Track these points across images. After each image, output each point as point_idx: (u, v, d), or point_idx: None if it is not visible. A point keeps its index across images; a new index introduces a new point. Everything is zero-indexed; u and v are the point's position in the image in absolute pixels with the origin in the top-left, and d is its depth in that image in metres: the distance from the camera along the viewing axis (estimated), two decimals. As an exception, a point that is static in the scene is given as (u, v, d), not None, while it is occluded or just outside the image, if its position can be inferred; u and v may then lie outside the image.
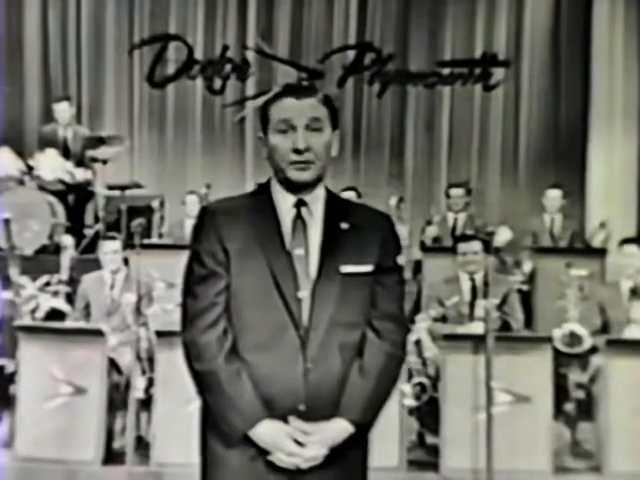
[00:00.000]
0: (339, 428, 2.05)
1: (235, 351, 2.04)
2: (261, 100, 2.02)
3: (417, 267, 7.16)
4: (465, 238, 5.76)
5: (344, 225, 2.10)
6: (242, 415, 2.02)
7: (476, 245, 5.47)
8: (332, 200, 2.16)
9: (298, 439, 2.01)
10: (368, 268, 2.09)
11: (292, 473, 2.03)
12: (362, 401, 2.07)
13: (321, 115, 2.09)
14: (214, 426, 2.08)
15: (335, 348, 2.05)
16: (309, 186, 2.09)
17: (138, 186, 8.11)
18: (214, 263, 2.06)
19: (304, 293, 2.05)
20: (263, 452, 2.03)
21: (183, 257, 2.15)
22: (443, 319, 5.38)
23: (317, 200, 2.12)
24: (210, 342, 2.04)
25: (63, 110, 7.90)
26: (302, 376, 2.02)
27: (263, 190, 2.15)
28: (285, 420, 2.02)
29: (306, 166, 2.06)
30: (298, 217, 2.10)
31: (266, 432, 2.02)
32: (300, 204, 2.11)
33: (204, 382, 2.05)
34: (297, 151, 2.04)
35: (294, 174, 2.06)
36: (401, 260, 2.19)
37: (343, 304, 2.06)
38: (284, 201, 2.11)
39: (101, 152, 7.59)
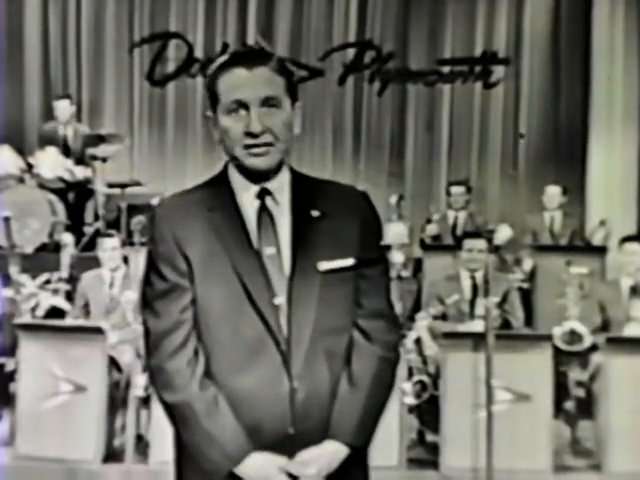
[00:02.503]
0: (333, 452, 1.80)
1: (209, 375, 1.79)
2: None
3: (417, 265, 7.16)
4: (472, 235, 5.78)
5: (315, 213, 1.82)
6: (225, 451, 1.75)
7: (482, 243, 5.49)
8: (299, 183, 1.87)
9: (292, 472, 1.77)
10: (349, 262, 1.82)
11: None
12: (355, 418, 1.81)
13: (278, 90, 1.78)
14: (192, 463, 1.82)
15: (322, 359, 1.80)
16: (270, 172, 1.81)
17: (138, 184, 8.11)
18: (175, 274, 1.78)
19: (280, 299, 1.78)
20: None
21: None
22: (443, 317, 5.38)
23: (283, 186, 1.85)
24: (180, 367, 1.77)
25: (63, 108, 7.92)
26: (288, 397, 1.76)
27: (220, 179, 1.87)
28: (273, 448, 1.77)
29: (265, 150, 1.76)
30: (263, 209, 1.82)
31: (255, 467, 1.76)
32: (264, 193, 1.82)
33: (178, 415, 1.79)
34: (252, 135, 1.75)
35: (251, 161, 1.78)
36: (382, 246, 1.97)
37: (326, 307, 1.79)
38: (246, 192, 1.83)
39: (101, 150, 7.60)
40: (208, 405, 1.76)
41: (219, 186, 1.85)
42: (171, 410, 1.81)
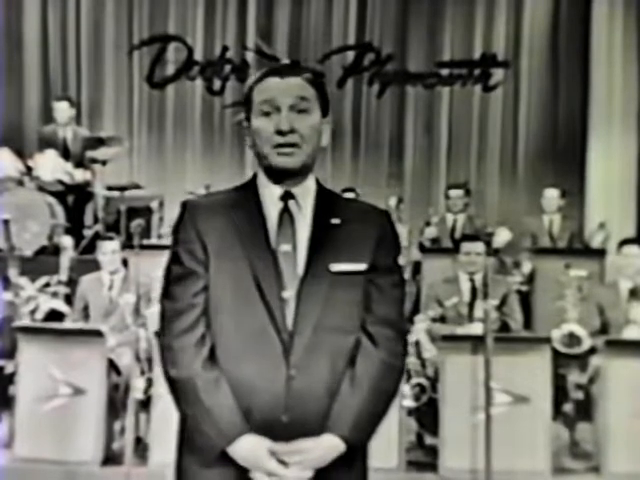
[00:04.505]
0: (328, 445, 1.85)
1: (214, 358, 1.88)
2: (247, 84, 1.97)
3: (416, 268, 7.17)
4: (470, 238, 5.78)
5: (335, 220, 1.94)
6: (220, 429, 1.83)
7: (480, 246, 5.49)
8: (324, 194, 1.99)
9: (281, 457, 1.82)
10: (361, 267, 1.91)
11: None
12: (353, 415, 1.87)
13: (307, 95, 1.92)
14: (190, 442, 1.92)
15: (323, 354, 1.87)
16: (295, 174, 1.92)
17: (137, 187, 8.12)
18: (192, 261, 1.90)
19: (289, 293, 1.87)
20: (244, 472, 1.85)
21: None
22: (442, 320, 5.38)
23: (307, 193, 1.96)
24: (187, 347, 1.87)
25: (63, 110, 7.90)
26: (284, 384, 1.83)
27: (249, 184, 1.99)
28: (267, 434, 1.83)
29: (291, 151, 1.88)
30: (285, 211, 1.93)
31: (246, 448, 1.83)
32: (287, 197, 1.93)
33: (180, 391, 1.89)
34: (280, 133, 1.87)
35: (278, 160, 1.89)
36: (401, 260, 2.03)
37: (332, 306, 1.88)
38: (270, 194, 1.94)
39: (100, 153, 7.60)
40: (209, 383, 1.85)
41: (246, 191, 1.98)
42: (175, 386, 1.90)
